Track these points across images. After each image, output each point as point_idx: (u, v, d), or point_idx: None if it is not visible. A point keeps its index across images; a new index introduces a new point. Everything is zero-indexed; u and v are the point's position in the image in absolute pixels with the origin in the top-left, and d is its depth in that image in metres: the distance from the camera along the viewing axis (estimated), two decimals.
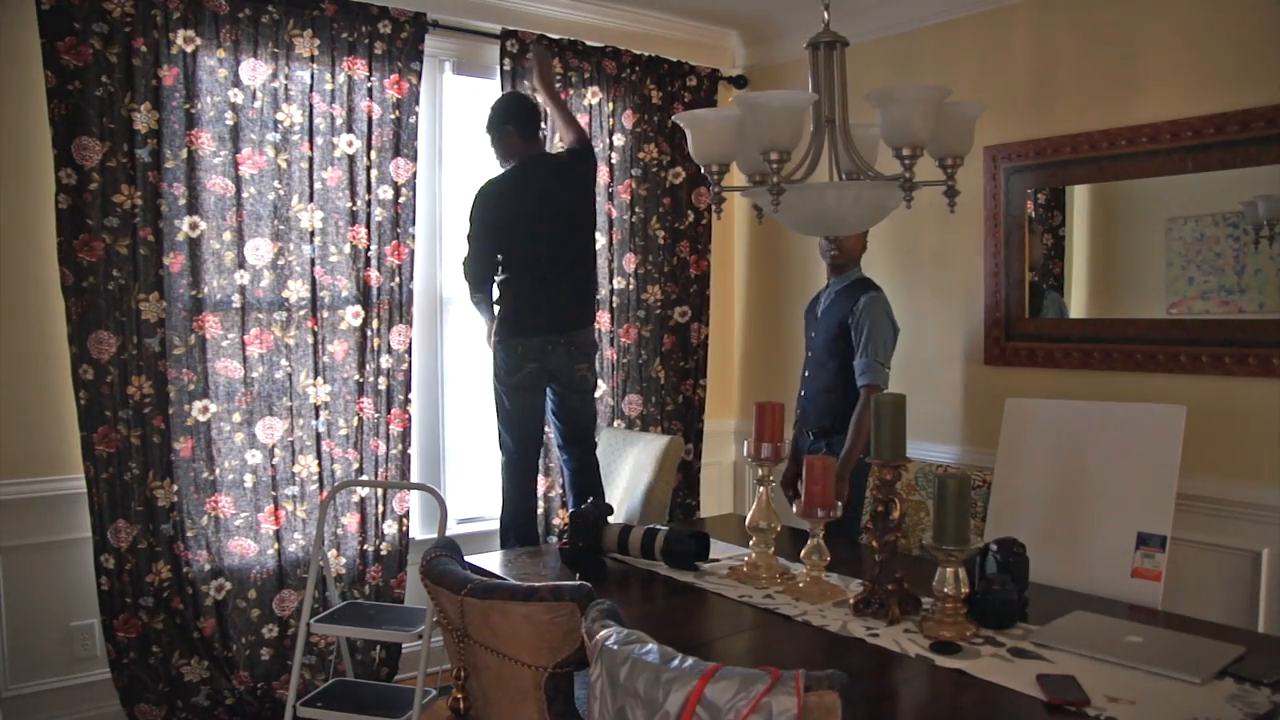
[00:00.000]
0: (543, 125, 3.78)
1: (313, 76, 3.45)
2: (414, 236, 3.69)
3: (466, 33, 3.86)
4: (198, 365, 3.30)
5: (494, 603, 1.81)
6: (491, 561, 2.71)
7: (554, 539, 4.06)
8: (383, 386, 3.64)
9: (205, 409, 3.32)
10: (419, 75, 3.64)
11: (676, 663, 1.47)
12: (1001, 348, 3.68)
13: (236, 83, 3.32)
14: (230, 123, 3.31)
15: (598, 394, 4.19)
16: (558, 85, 3.97)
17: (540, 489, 4.05)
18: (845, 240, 3.45)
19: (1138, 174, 3.27)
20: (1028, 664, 1.91)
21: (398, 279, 3.66)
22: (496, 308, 3.57)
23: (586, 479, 3.70)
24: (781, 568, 2.49)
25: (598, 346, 3.85)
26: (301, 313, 3.48)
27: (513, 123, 3.57)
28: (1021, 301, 3.62)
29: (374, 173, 3.58)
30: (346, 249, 3.55)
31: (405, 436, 3.71)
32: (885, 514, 2.21)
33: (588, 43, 4.07)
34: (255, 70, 3.34)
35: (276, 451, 3.46)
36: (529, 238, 3.52)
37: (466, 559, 2.17)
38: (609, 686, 1.55)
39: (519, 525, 3.64)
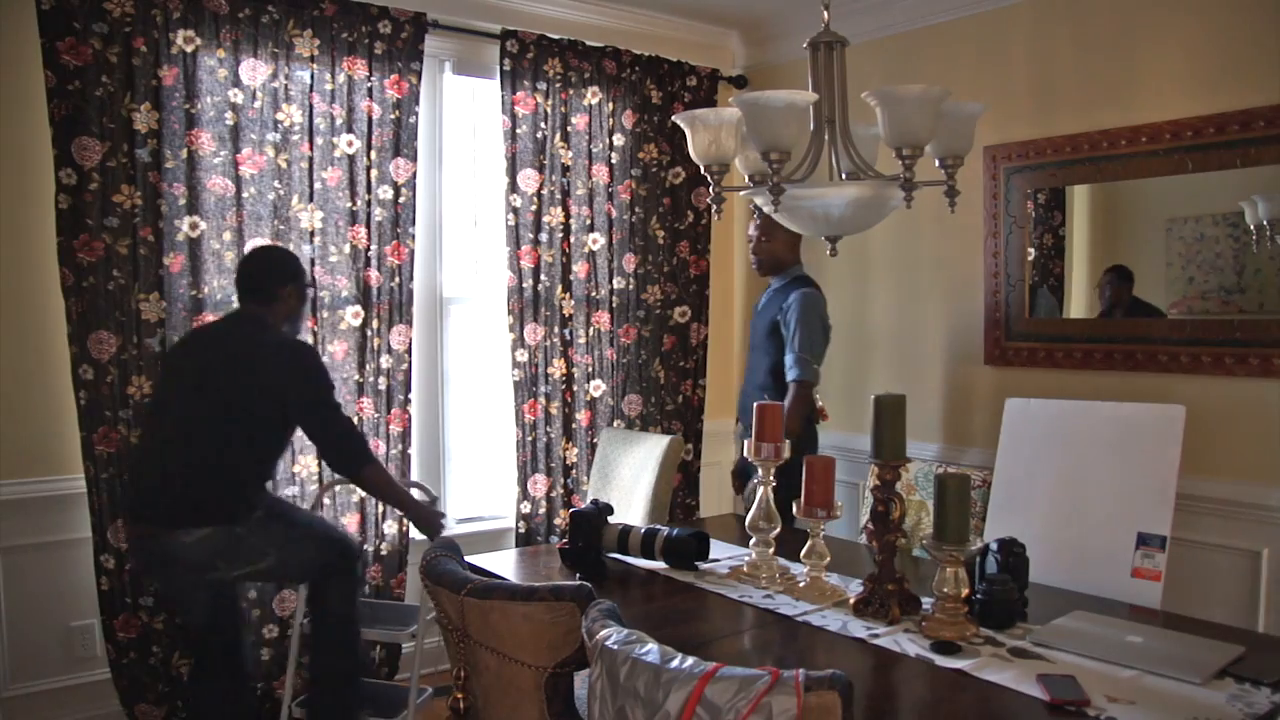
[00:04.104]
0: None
1: (313, 76, 3.45)
2: (414, 236, 3.69)
3: (466, 33, 3.86)
4: None
5: (494, 603, 1.81)
6: (494, 561, 2.70)
7: (554, 539, 4.06)
8: (383, 386, 3.64)
9: None
10: (419, 75, 3.64)
11: (676, 663, 1.47)
12: (1001, 348, 3.68)
13: (236, 83, 3.32)
14: (230, 123, 3.31)
15: (598, 394, 4.20)
16: (558, 86, 3.99)
17: (541, 489, 4.06)
18: (764, 244, 3.52)
19: (1138, 174, 3.27)
20: (1028, 664, 1.91)
21: (398, 279, 3.66)
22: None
23: None
24: (781, 568, 2.49)
25: None
26: None
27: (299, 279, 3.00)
28: (1021, 301, 3.62)
29: (374, 173, 3.58)
30: (346, 249, 3.55)
31: (405, 436, 3.71)
32: (885, 514, 2.21)
33: (588, 43, 4.07)
34: (255, 70, 3.34)
35: None
36: None
37: (466, 559, 2.17)
38: (609, 686, 1.55)
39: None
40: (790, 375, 3.37)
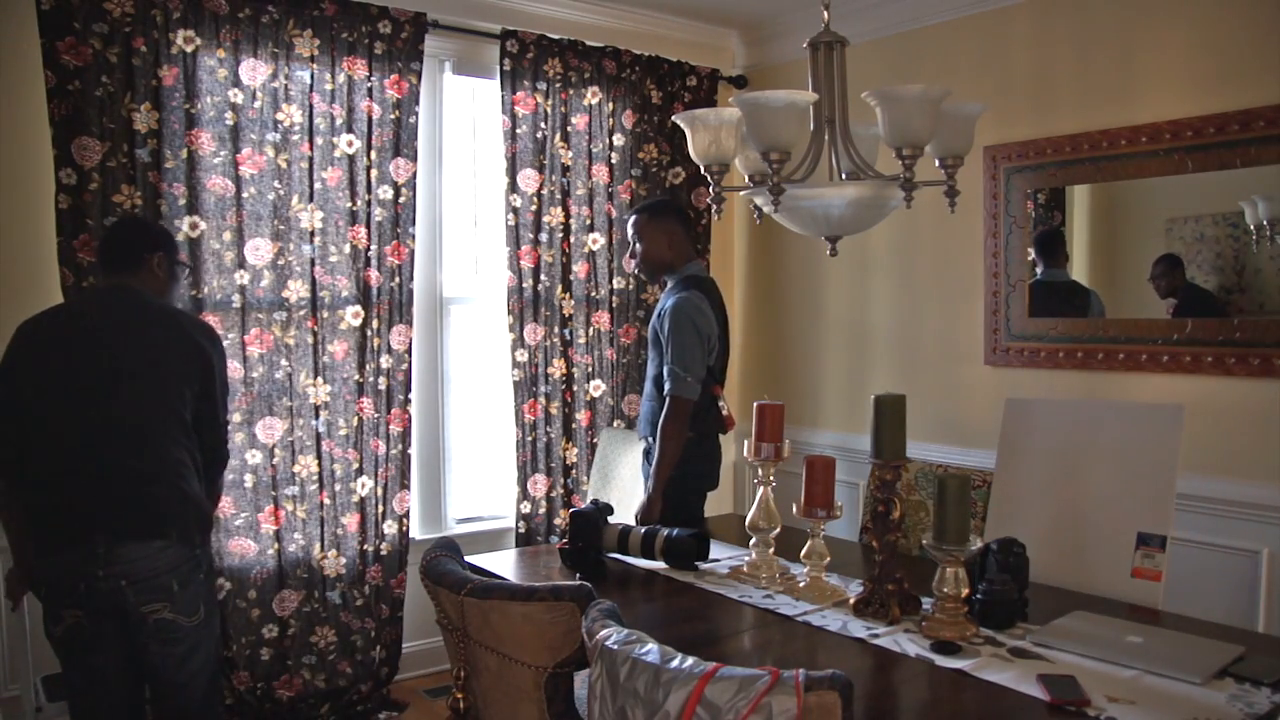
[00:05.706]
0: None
1: (313, 76, 3.45)
2: (414, 236, 3.69)
3: (466, 33, 3.86)
4: None
5: (494, 603, 1.81)
6: (494, 561, 2.70)
7: (554, 539, 4.06)
8: (383, 386, 3.64)
9: None
10: (419, 75, 3.64)
11: (676, 663, 1.47)
12: (1002, 348, 3.68)
13: (236, 83, 3.32)
14: (230, 123, 3.31)
15: (598, 394, 4.20)
16: (558, 86, 3.99)
17: (541, 489, 4.06)
18: (638, 249, 3.27)
19: (1138, 174, 3.27)
20: (1028, 664, 1.91)
21: (398, 279, 3.66)
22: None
23: None
24: (781, 568, 2.49)
25: None
26: (301, 313, 3.49)
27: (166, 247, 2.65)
28: (1022, 301, 3.62)
29: (374, 173, 3.58)
30: (346, 249, 3.55)
31: (405, 436, 3.71)
32: (885, 514, 2.21)
33: (588, 43, 4.07)
34: (255, 70, 3.34)
35: (276, 451, 3.46)
36: None
37: (467, 559, 2.17)
38: (609, 686, 1.55)
39: None
40: (665, 389, 3.11)
